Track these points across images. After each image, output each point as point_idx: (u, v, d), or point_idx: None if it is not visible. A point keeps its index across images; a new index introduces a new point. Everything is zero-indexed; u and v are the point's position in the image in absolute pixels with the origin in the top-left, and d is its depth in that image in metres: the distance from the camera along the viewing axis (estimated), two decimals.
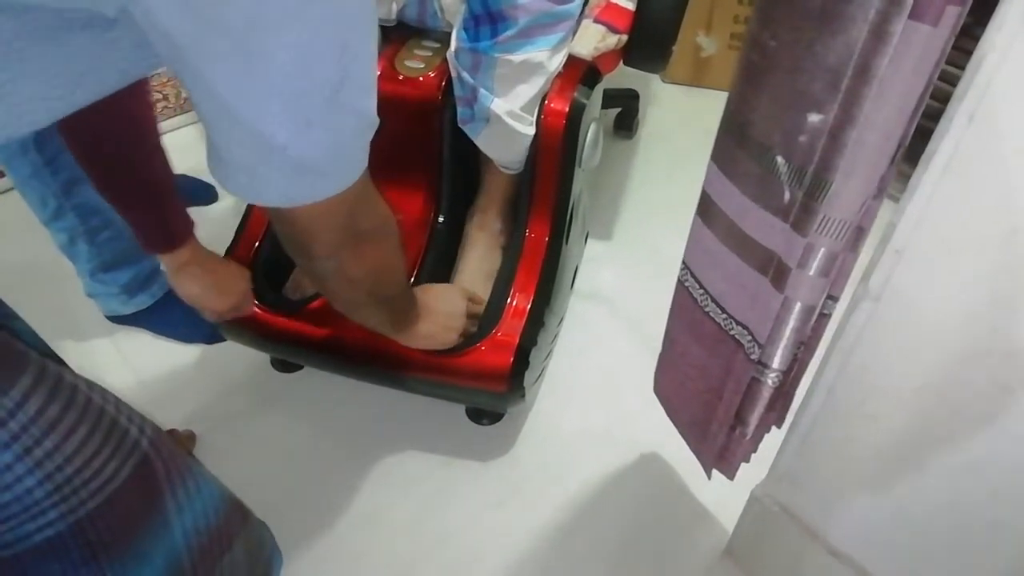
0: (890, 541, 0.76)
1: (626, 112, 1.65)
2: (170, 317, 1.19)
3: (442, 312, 0.92)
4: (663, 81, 1.87)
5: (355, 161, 0.58)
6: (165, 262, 0.89)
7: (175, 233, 0.87)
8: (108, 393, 0.57)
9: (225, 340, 1.09)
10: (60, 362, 0.55)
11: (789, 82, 0.55)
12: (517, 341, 0.95)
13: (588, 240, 1.39)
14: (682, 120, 1.77)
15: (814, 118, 0.55)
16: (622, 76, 1.25)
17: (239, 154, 0.51)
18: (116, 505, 0.53)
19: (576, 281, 1.31)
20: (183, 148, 1.64)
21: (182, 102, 1.71)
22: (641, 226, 1.47)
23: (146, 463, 0.56)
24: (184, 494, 0.60)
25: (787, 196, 0.60)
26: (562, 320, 1.17)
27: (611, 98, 1.63)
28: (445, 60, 0.96)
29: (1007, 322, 0.56)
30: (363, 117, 0.55)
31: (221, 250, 1.05)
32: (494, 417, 1.11)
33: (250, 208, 1.07)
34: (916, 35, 0.47)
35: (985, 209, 0.54)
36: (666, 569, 0.98)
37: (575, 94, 0.95)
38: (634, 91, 1.65)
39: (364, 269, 0.69)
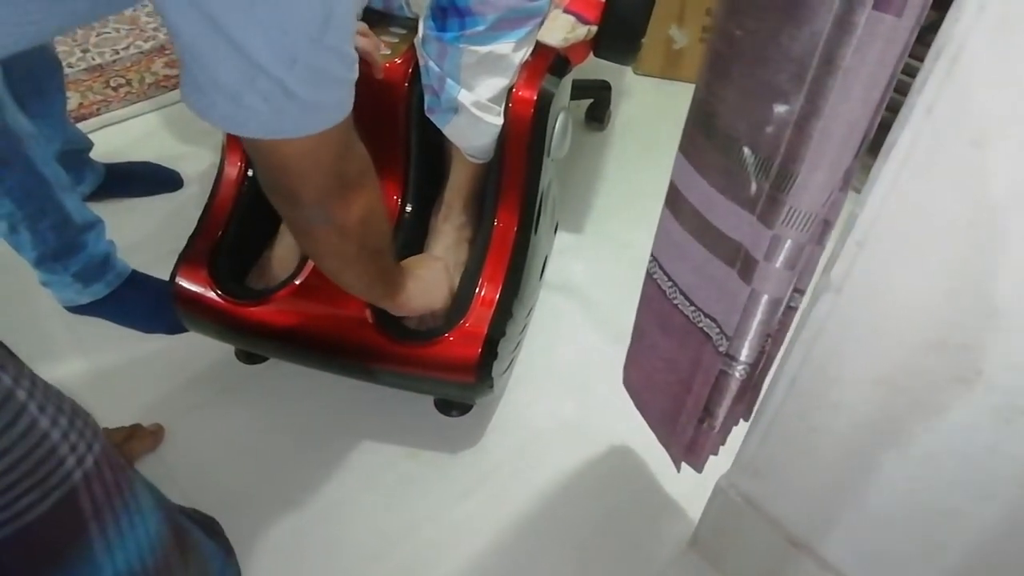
0: (851, 531, 0.77)
1: (598, 103, 1.65)
2: (129, 307, 1.16)
3: (423, 274, 0.92)
4: (635, 73, 1.87)
5: (339, 101, 0.58)
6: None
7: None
8: (66, 404, 0.54)
9: (187, 331, 1.07)
10: (18, 363, 0.52)
11: (755, 72, 0.55)
12: (485, 331, 0.95)
13: (559, 231, 1.38)
14: (654, 112, 1.77)
15: (780, 109, 0.55)
16: (594, 67, 1.25)
17: (225, 77, 0.51)
18: (26, 541, 0.51)
19: (546, 272, 1.31)
20: (147, 135, 1.61)
21: (145, 88, 1.67)
22: (612, 218, 1.47)
23: (71, 498, 0.53)
24: (116, 532, 0.57)
25: (754, 188, 0.60)
26: (531, 311, 1.16)
27: (583, 89, 1.62)
28: (412, 47, 0.95)
29: (961, 314, 0.57)
30: (345, 58, 0.56)
31: (185, 237, 1.03)
32: (463, 408, 1.11)
33: (214, 195, 1.05)
34: (880, 26, 0.47)
35: (943, 202, 0.54)
36: (632, 560, 0.99)
37: (543, 83, 0.94)
38: (606, 82, 1.65)
39: (354, 216, 0.68)
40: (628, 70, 1.87)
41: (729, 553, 0.94)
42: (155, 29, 1.85)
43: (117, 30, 1.84)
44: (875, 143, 0.58)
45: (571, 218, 1.45)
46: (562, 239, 1.39)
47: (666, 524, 1.02)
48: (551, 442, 1.10)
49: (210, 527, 0.87)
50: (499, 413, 1.13)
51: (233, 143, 1.06)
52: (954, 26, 0.48)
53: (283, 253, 1.04)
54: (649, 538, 1.01)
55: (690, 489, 1.03)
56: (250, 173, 1.06)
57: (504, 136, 0.94)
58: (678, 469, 0.85)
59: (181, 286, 1.00)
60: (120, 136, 1.56)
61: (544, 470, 1.07)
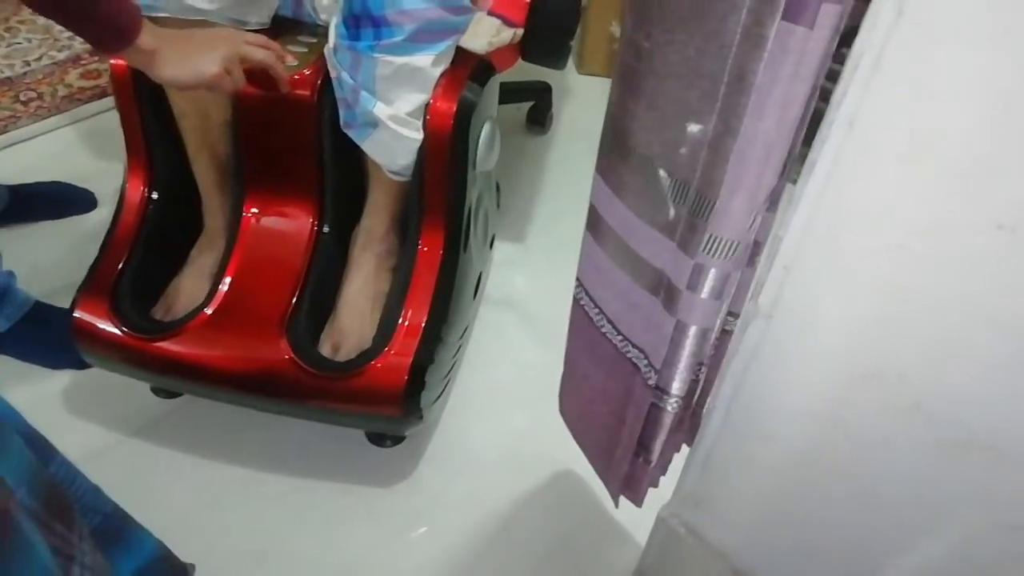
0: (796, 564, 0.73)
1: (538, 106, 1.60)
2: (32, 341, 1.08)
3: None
4: (578, 73, 1.81)
5: None
6: (136, 62, 0.78)
7: (123, 26, 0.74)
8: None
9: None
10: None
11: (666, 89, 0.50)
12: (411, 360, 0.89)
13: (497, 242, 1.32)
14: (599, 113, 1.69)
15: (693, 128, 0.50)
16: (534, 68, 1.19)
17: None
18: None
19: (487, 287, 1.25)
20: (60, 152, 1.51)
21: (58, 101, 1.57)
22: (556, 226, 1.41)
23: None
24: None
25: (672, 213, 0.55)
26: (467, 332, 1.10)
27: (521, 92, 1.57)
28: (322, 56, 0.88)
29: (896, 343, 0.52)
30: None
31: (88, 264, 0.95)
32: (397, 439, 1.04)
33: (115, 222, 0.97)
34: (792, 38, 0.42)
35: (870, 222, 0.49)
36: None
37: (464, 92, 0.88)
38: (546, 83, 1.59)
39: None
40: (571, 69, 1.81)
41: None
42: (69, 38, 1.74)
43: (29, 40, 1.73)
44: (809, 137, 0.53)
45: (511, 229, 1.39)
46: (502, 251, 1.34)
47: (612, 552, 0.97)
48: (491, 470, 1.04)
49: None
50: (435, 441, 1.07)
51: (135, 165, 0.98)
52: (871, 32, 0.43)
53: (191, 283, 0.96)
54: (595, 568, 0.96)
55: (637, 516, 0.97)
56: (155, 196, 0.98)
57: (423, 151, 0.88)
58: (616, 504, 0.80)
59: (81, 320, 0.93)
60: (29, 154, 1.46)
61: (484, 500, 1.01)
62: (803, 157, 0.53)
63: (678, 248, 0.55)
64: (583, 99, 1.76)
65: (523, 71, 1.45)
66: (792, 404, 0.62)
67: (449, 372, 1.02)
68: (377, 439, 1.04)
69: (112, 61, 0.93)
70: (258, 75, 0.86)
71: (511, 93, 1.52)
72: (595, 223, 0.64)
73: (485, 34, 0.97)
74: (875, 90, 0.45)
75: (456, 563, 0.96)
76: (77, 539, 0.61)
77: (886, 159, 0.47)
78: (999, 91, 0.41)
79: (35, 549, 0.55)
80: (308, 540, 0.97)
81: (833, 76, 0.48)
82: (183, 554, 0.92)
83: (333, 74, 0.87)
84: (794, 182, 0.54)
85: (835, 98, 0.47)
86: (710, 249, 0.53)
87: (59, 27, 1.77)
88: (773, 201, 0.56)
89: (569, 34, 1.04)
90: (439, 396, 0.99)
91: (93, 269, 0.95)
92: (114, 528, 0.75)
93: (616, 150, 0.58)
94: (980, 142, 0.43)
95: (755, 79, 0.44)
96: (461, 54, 0.91)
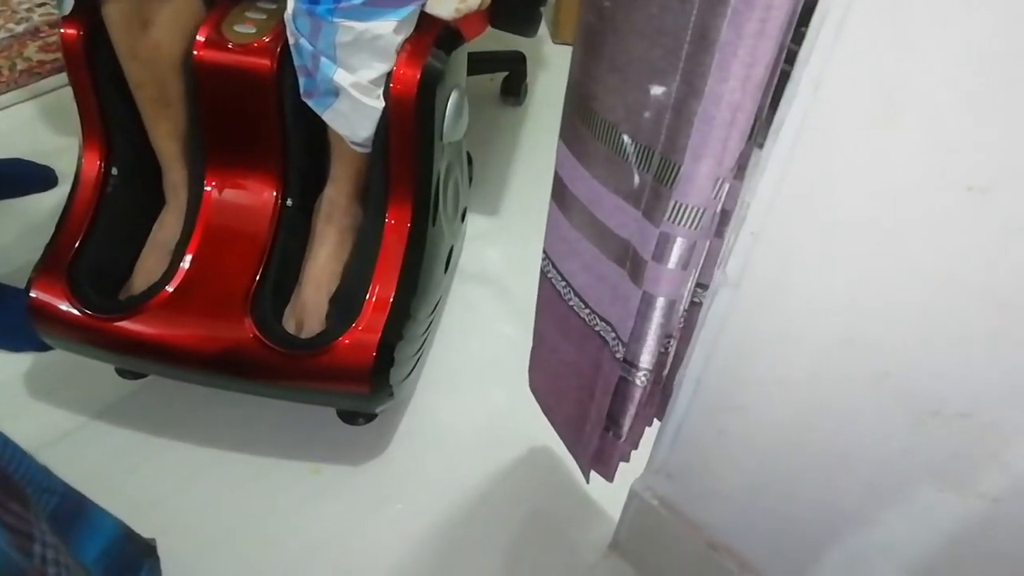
0: (771, 535, 0.73)
1: (513, 76, 1.56)
2: None
3: None
4: (553, 42, 1.78)
5: None
6: None
7: None
8: None
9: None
10: None
11: (628, 49, 0.48)
12: (379, 336, 0.87)
13: (470, 216, 1.30)
14: (565, 92, 1.69)
15: (657, 91, 0.48)
16: (507, 38, 1.16)
17: None
18: None
19: (460, 261, 1.23)
20: (18, 128, 1.46)
21: (16, 75, 1.52)
22: (531, 199, 1.38)
23: None
24: None
25: (637, 180, 0.53)
26: (437, 307, 1.08)
27: (495, 61, 1.53)
28: (281, 23, 0.85)
29: (865, 311, 0.51)
30: None
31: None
32: (369, 417, 1.03)
33: (71, 200, 0.94)
34: None
35: (840, 189, 0.48)
36: (552, 566, 0.93)
37: (429, 59, 0.85)
38: (520, 53, 1.56)
39: None
40: (545, 38, 1.78)
41: (650, 556, 0.90)
42: (28, 10, 1.68)
43: None
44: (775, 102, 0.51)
45: (485, 201, 1.37)
46: (476, 224, 1.31)
47: (587, 526, 0.97)
48: (463, 446, 1.03)
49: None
50: (408, 418, 1.05)
51: (91, 138, 0.94)
52: None
53: (151, 261, 0.94)
54: (570, 543, 0.95)
55: (612, 490, 0.96)
56: (114, 172, 0.95)
57: (386, 121, 0.85)
58: (587, 479, 0.79)
59: (37, 300, 0.90)
60: None
61: (457, 477, 1.00)
62: (770, 122, 0.51)
63: (643, 217, 0.53)
64: (558, 69, 1.72)
65: (497, 40, 1.42)
66: (763, 374, 0.61)
67: (420, 348, 1.00)
68: (348, 417, 1.02)
69: (62, 29, 0.89)
70: (213, 41, 0.83)
71: (484, 63, 1.49)
72: (560, 192, 0.62)
73: (452, 0, 0.94)
74: (843, 48, 0.43)
75: (430, 540, 0.95)
76: (34, 518, 0.59)
77: (856, 122, 0.45)
78: (970, 48, 0.39)
79: None
80: (279, 519, 0.95)
81: (800, 39, 0.46)
82: (148, 534, 0.91)
83: (292, 41, 0.84)
84: (761, 147, 0.52)
85: (800, 56, 0.46)
86: (675, 217, 0.51)
87: None
88: (741, 167, 0.54)
89: (539, 0, 1.01)
90: (410, 373, 0.97)
91: (49, 248, 0.92)
92: (71, 509, 0.73)
93: (579, 115, 0.56)
94: (950, 102, 0.41)
95: (718, 36, 0.42)
96: (426, 20, 0.88)
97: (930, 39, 0.40)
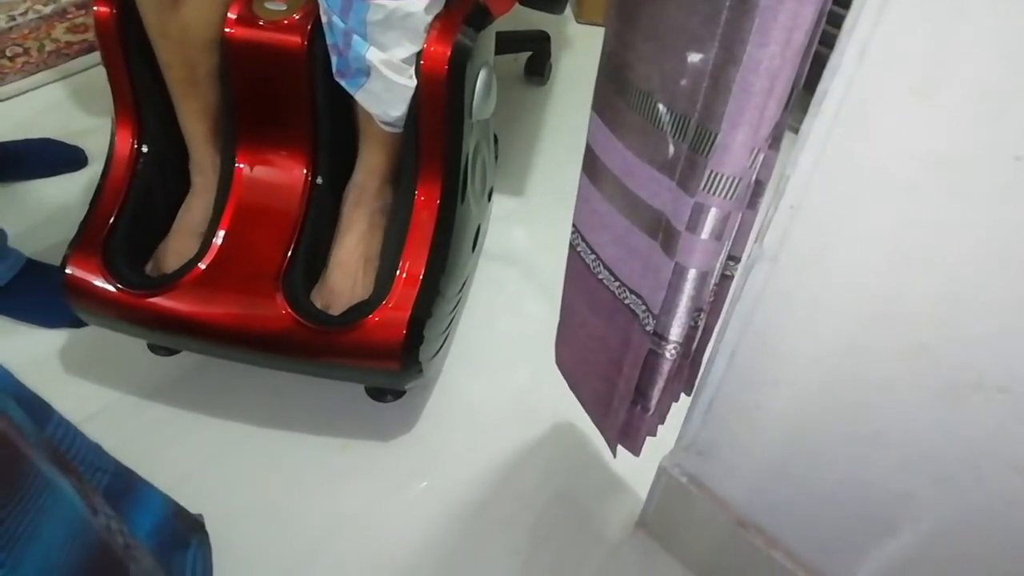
0: (800, 512, 0.73)
1: (537, 56, 1.55)
2: (26, 299, 1.07)
3: None
4: (577, 22, 1.76)
5: None
6: None
7: None
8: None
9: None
10: None
11: (665, 15, 0.47)
12: (409, 313, 0.87)
13: (496, 196, 1.30)
14: (599, 63, 1.68)
15: (694, 58, 0.47)
16: (532, 17, 1.16)
17: None
18: None
19: (485, 241, 1.23)
20: (48, 108, 1.48)
21: (45, 56, 1.54)
22: (556, 179, 1.39)
23: None
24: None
25: (671, 150, 0.53)
26: (465, 285, 1.09)
27: (520, 41, 1.52)
28: (312, 1, 0.85)
29: (903, 284, 0.51)
30: None
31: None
32: (397, 393, 1.04)
33: (104, 178, 0.95)
34: None
35: (882, 160, 0.47)
36: (581, 543, 0.94)
37: (459, 36, 0.85)
38: (545, 32, 1.55)
39: None
40: (570, 18, 1.77)
41: (677, 533, 0.90)
42: None
43: None
44: (810, 80, 0.51)
45: (510, 181, 1.37)
46: (501, 204, 1.31)
47: (614, 504, 0.97)
48: (490, 424, 1.04)
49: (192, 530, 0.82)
50: (435, 396, 1.06)
51: (123, 116, 0.95)
52: None
53: (179, 241, 0.95)
54: (597, 519, 0.96)
55: (638, 466, 0.97)
56: (145, 149, 0.96)
57: (417, 98, 0.85)
58: (614, 454, 0.79)
59: (72, 276, 0.91)
60: (16, 111, 1.43)
61: (483, 454, 1.01)
62: (804, 105, 0.50)
63: (677, 187, 0.53)
64: (582, 48, 1.71)
65: (521, 20, 1.41)
66: (797, 348, 0.61)
67: (448, 326, 1.01)
68: (377, 394, 1.03)
69: (96, 7, 0.90)
70: (244, 18, 0.84)
71: (509, 43, 1.49)
72: (591, 164, 0.62)
73: None
74: (889, 16, 0.42)
75: (457, 517, 0.95)
76: (91, 492, 0.60)
77: (900, 92, 0.45)
78: (1020, 15, 0.38)
79: (63, 491, 0.55)
80: (308, 495, 0.97)
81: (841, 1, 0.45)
82: (188, 509, 0.92)
83: (324, 19, 0.84)
84: (795, 132, 0.52)
85: (845, 25, 0.45)
86: (710, 187, 0.51)
87: None
88: (776, 138, 0.54)
89: None
90: (438, 350, 0.98)
91: (84, 224, 0.94)
92: (122, 486, 0.74)
93: (613, 86, 0.55)
94: (998, 71, 0.41)
95: (759, 0, 0.42)
96: None
97: (979, 4, 0.39)
